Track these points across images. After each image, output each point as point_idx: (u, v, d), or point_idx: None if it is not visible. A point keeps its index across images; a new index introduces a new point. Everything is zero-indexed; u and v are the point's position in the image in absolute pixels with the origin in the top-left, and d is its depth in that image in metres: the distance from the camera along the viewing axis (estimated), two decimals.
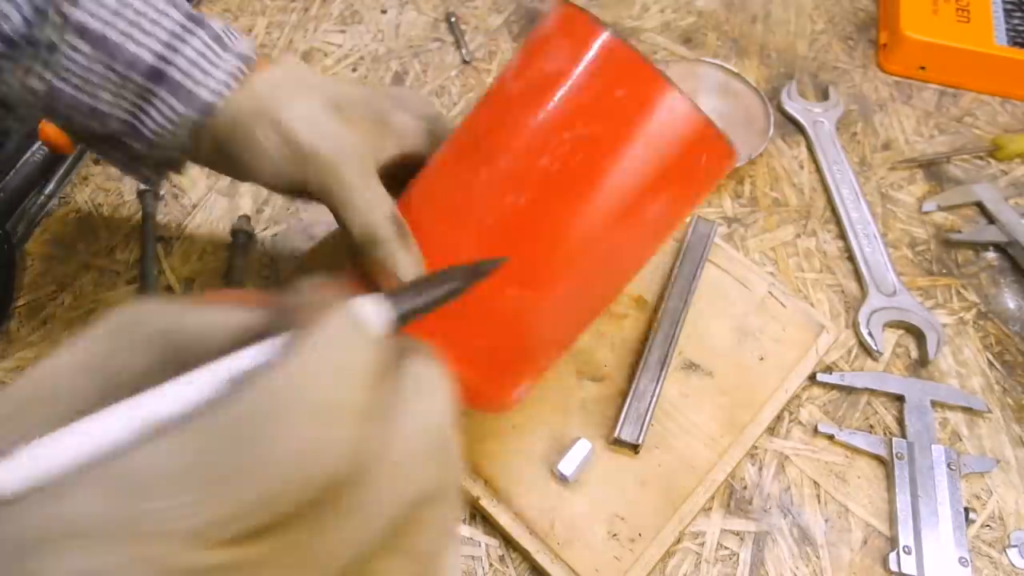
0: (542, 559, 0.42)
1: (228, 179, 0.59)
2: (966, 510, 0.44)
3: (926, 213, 0.58)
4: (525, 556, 0.43)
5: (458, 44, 0.68)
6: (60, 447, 0.16)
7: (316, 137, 0.37)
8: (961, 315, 0.53)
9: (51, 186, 0.57)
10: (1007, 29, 0.65)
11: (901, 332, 0.52)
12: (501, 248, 0.34)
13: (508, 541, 0.44)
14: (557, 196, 0.34)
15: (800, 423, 0.48)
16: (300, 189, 0.38)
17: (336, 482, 0.16)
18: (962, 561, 0.42)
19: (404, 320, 0.20)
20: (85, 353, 0.18)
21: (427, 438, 0.18)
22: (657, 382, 0.46)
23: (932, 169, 0.61)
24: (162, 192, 0.58)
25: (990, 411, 0.49)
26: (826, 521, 0.45)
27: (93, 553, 0.15)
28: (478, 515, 0.45)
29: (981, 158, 0.62)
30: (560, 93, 0.35)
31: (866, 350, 0.51)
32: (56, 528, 0.15)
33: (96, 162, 0.60)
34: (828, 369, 0.50)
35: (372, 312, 0.18)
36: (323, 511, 0.16)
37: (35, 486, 0.15)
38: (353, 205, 0.37)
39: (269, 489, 0.16)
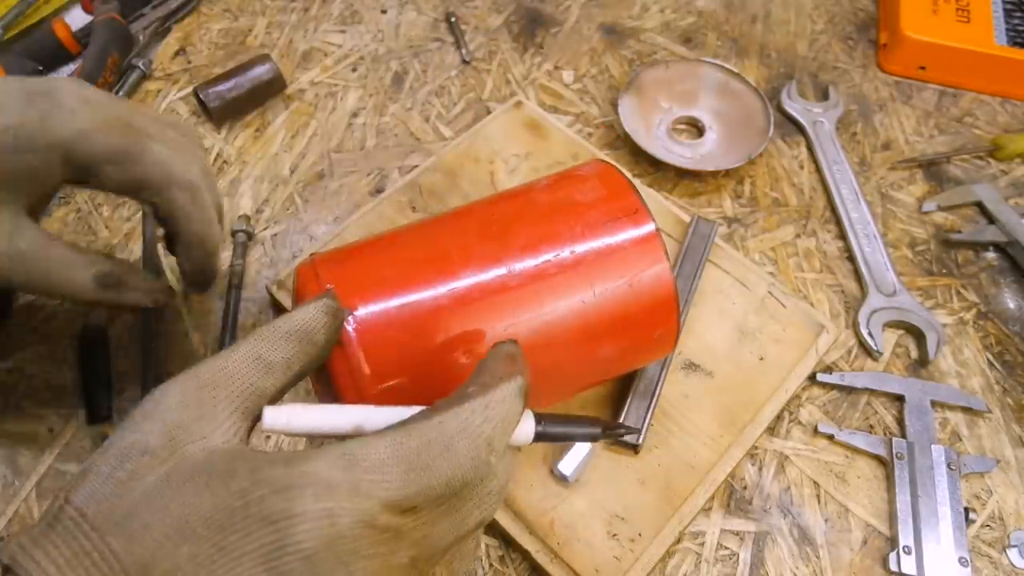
0: (542, 559, 0.42)
1: (228, 179, 0.59)
2: (966, 510, 0.44)
3: (926, 213, 0.58)
4: (525, 556, 0.43)
5: (458, 44, 0.68)
6: (300, 418, 0.26)
7: None
8: (961, 315, 0.53)
9: None
10: (1007, 29, 0.65)
11: (901, 332, 0.52)
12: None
13: (508, 541, 0.44)
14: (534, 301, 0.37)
15: (800, 423, 0.48)
16: None
17: (470, 487, 0.26)
18: (962, 561, 0.42)
19: (538, 438, 0.29)
20: (243, 350, 0.27)
21: (505, 486, 0.28)
22: (657, 382, 0.46)
23: (932, 169, 0.61)
24: None
25: (990, 411, 0.49)
26: (826, 521, 0.45)
27: (324, 499, 0.23)
28: None
29: (981, 158, 0.62)
30: (573, 221, 0.39)
31: (866, 350, 0.51)
32: (302, 480, 0.23)
33: None
34: (828, 369, 0.50)
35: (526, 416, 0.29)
36: (453, 504, 0.26)
37: (286, 454, 0.24)
38: (51, 283, 0.35)
39: (444, 482, 0.25)
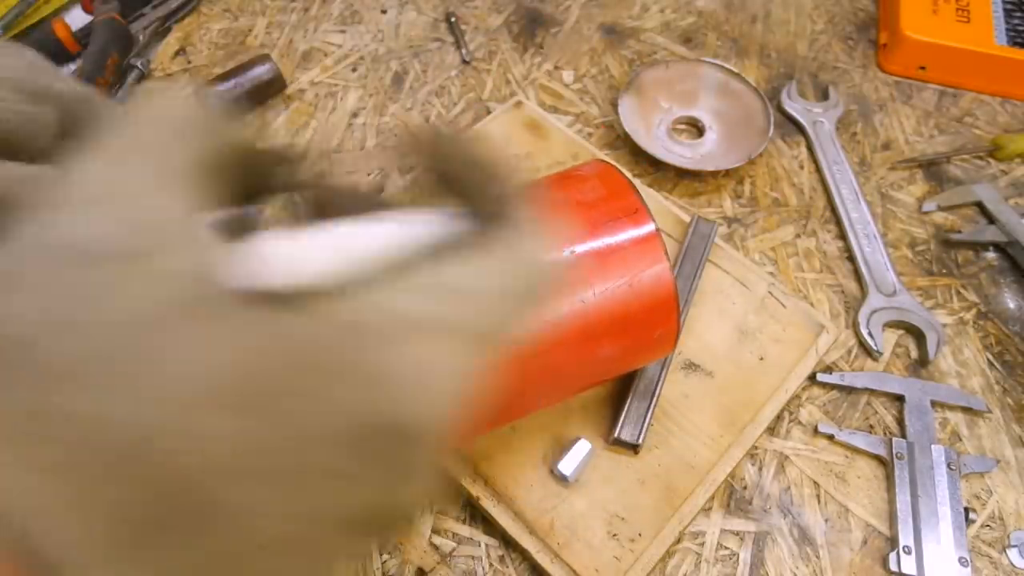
0: (542, 559, 0.42)
1: None
2: (966, 510, 0.44)
3: (926, 213, 0.58)
4: (525, 556, 0.43)
5: (458, 44, 0.68)
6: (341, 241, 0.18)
7: None
8: (961, 315, 0.53)
9: None
10: (1007, 29, 0.65)
11: (901, 332, 0.52)
12: None
13: (508, 541, 0.44)
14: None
15: (800, 423, 0.48)
16: None
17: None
18: (962, 561, 0.42)
19: None
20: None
21: None
22: (657, 382, 0.46)
23: (932, 169, 0.61)
24: None
25: (990, 411, 0.49)
26: (826, 521, 0.45)
27: (429, 344, 0.17)
28: (478, 515, 0.45)
29: (981, 158, 0.62)
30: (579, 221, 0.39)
31: (866, 350, 0.51)
32: (394, 320, 0.17)
33: None
34: (828, 369, 0.50)
35: None
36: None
37: (346, 282, 0.17)
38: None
39: (531, 307, 0.20)
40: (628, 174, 0.42)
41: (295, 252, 0.17)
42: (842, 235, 0.57)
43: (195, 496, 0.14)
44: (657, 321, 0.39)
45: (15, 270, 0.14)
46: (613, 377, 0.46)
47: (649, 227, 0.38)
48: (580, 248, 0.37)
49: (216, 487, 0.14)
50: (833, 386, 0.50)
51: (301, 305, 0.16)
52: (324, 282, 0.17)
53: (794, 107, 0.64)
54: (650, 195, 0.57)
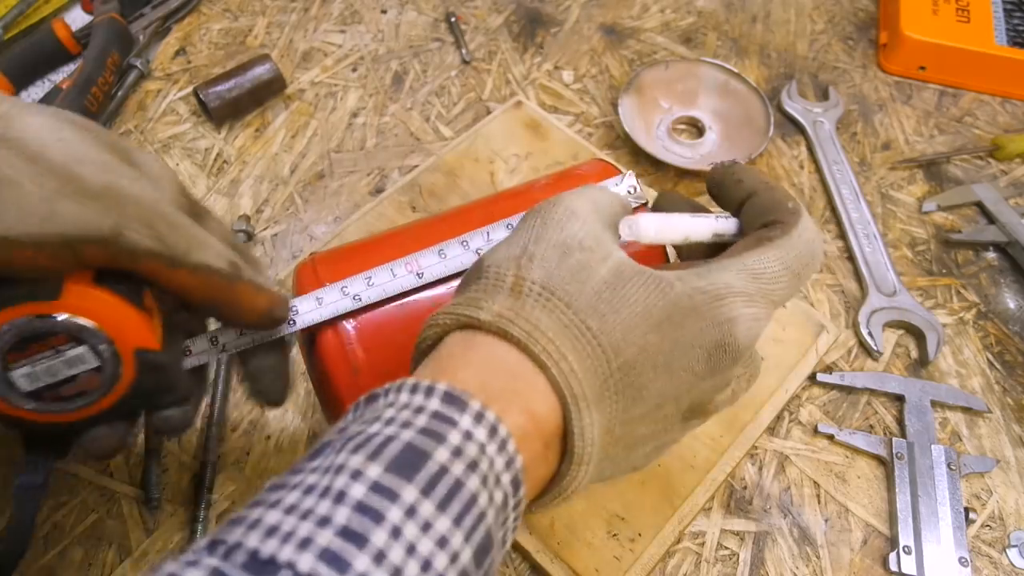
0: (542, 559, 0.42)
1: (228, 179, 0.59)
2: (966, 510, 0.44)
3: (926, 213, 0.58)
4: (525, 556, 0.43)
5: (458, 44, 0.68)
6: (667, 219, 0.31)
7: (91, 156, 0.28)
8: (961, 315, 0.53)
9: None
10: (1007, 29, 0.65)
11: (901, 332, 0.52)
12: None
13: None
14: None
15: (800, 423, 0.48)
16: (74, 242, 0.27)
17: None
18: (962, 561, 0.42)
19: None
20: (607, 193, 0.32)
21: None
22: None
23: (932, 169, 0.61)
24: None
25: (990, 411, 0.49)
26: (826, 521, 0.45)
27: (752, 305, 0.28)
28: None
29: (981, 158, 0.62)
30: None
31: (866, 350, 0.51)
32: (728, 290, 0.28)
33: None
34: (828, 369, 0.50)
35: None
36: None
37: (694, 269, 0.28)
38: (198, 241, 0.29)
39: (808, 279, 0.33)
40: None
41: (661, 224, 0.30)
42: (842, 235, 0.57)
43: (633, 375, 0.26)
44: None
45: (527, 251, 0.27)
46: None
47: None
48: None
49: (643, 371, 0.26)
50: (833, 386, 0.50)
51: (679, 277, 0.27)
52: (656, 241, 0.31)
53: (794, 107, 0.64)
54: (650, 195, 0.57)
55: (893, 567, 0.43)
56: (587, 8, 0.71)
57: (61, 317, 0.28)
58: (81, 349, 0.29)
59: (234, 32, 0.68)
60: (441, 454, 0.22)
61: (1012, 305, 0.54)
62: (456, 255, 0.35)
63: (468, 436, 0.23)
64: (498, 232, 0.35)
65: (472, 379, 0.24)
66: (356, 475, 0.21)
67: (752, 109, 0.61)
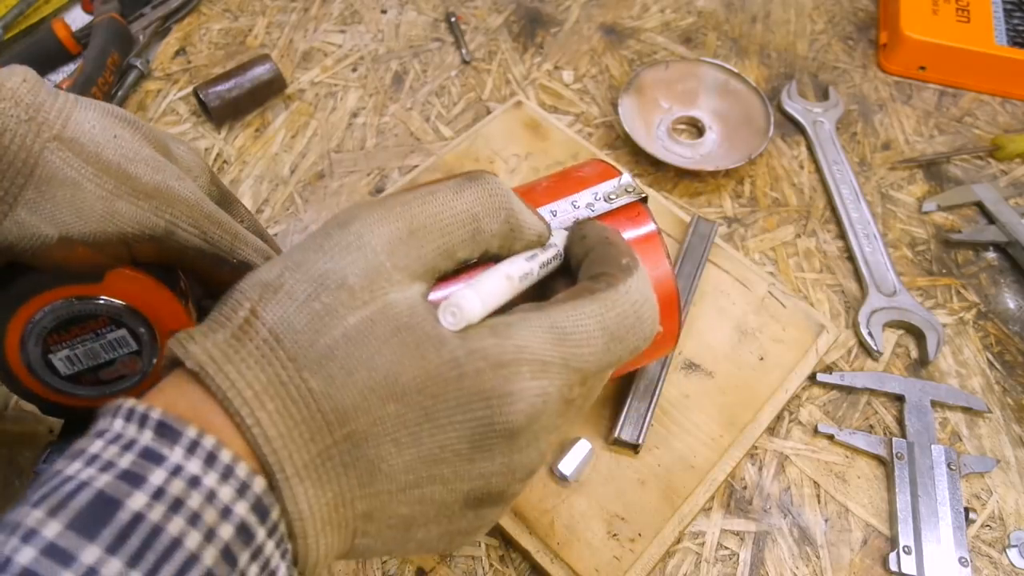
0: (542, 559, 0.42)
1: (228, 179, 0.59)
2: (966, 510, 0.44)
3: (926, 213, 0.58)
4: (525, 556, 0.43)
5: (458, 44, 0.68)
6: (490, 286, 0.25)
7: (143, 155, 0.29)
8: (961, 315, 0.53)
9: None
10: (1007, 29, 0.65)
11: (901, 332, 0.52)
12: None
13: (508, 541, 0.44)
14: None
15: (800, 423, 0.48)
16: (128, 239, 0.28)
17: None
18: (962, 561, 0.42)
19: None
20: (464, 203, 0.25)
21: None
22: (657, 382, 0.46)
23: (932, 169, 0.61)
24: None
25: (990, 411, 0.49)
26: (826, 521, 0.45)
27: (540, 376, 0.23)
28: None
29: (981, 158, 0.62)
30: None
31: (866, 350, 0.51)
32: (518, 355, 0.23)
33: None
34: (828, 369, 0.50)
35: None
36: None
37: (490, 323, 0.24)
38: (241, 239, 0.30)
39: (631, 350, 0.26)
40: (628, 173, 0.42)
41: (484, 291, 0.25)
42: (842, 235, 0.57)
43: (364, 448, 0.22)
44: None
45: (279, 280, 0.23)
46: (614, 377, 0.46)
47: (649, 227, 0.38)
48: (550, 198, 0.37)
49: (379, 444, 0.22)
50: (833, 386, 0.50)
51: (464, 335, 0.23)
52: (484, 316, 0.24)
53: (794, 107, 0.64)
54: (650, 195, 0.57)
55: (893, 567, 0.43)
56: (587, 8, 0.71)
57: (102, 300, 0.28)
58: (121, 331, 0.29)
59: (234, 32, 0.68)
60: (137, 500, 0.19)
61: (1012, 305, 0.54)
62: None
63: (176, 472, 0.20)
64: None
65: (191, 410, 0.22)
66: (29, 536, 0.18)
67: (752, 109, 0.61)
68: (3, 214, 0.26)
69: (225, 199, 0.34)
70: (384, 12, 0.70)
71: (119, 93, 0.63)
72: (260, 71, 0.61)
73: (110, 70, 0.61)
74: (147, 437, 0.20)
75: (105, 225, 0.27)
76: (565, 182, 0.41)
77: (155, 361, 0.31)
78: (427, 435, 0.23)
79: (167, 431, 0.20)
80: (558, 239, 0.29)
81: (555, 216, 0.36)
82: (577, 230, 0.30)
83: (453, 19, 0.69)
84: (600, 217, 0.38)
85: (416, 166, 0.59)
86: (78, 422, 0.33)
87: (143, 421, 0.21)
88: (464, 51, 0.67)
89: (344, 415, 0.22)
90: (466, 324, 0.23)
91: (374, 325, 0.23)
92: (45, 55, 0.64)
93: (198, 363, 0.22)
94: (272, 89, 0.62)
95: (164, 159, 0.30)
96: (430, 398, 0.23)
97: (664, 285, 0.38)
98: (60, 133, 0.27)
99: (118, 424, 0.21)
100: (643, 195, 0.38)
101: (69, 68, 0.65)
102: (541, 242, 0.28)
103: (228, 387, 0.21)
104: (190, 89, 0.63)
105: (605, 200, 0.37)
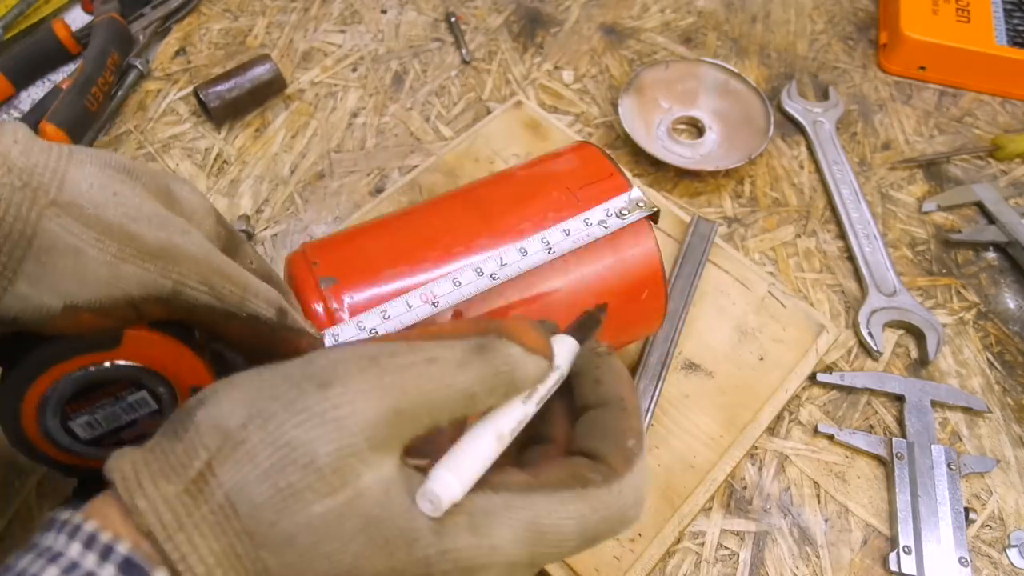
0: None
1: (227, 179, 0.59)
2: (966, 510, 0.44)
3: (926, 213, 0.58)
4: None
5: (458, 44, 0.68)
6: (477, 454, 0.23)
7: (145, 213, 0.27)
8: (961, 315, 0.53)
9: None
10: (1007, 29, 0.65)
11: (901, 332, 0.52)
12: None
13: None
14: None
15: (800, 423, 0.48)
16: (136, 302, 0.27)
17: None
18: (962, 561, 0.42)
19: None
20: (465, 381, 0.23)
21: None
22: (657, 382, 0.46)
23: (932, 169, 0.61)
24: None
25: (990, 411, 0.49)
26: (826, 521, 0.45)
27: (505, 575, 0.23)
28: None
29: (981, 158, 0.62)
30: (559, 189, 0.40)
31: (866, 350, 0.51)
32: (491, 556, 0.22)
33: None
34: (828, 369, 0.50)
35: None
36: None
37: (470, 508, 0.22)
38: (251, 292, 0.29)
39: (597, 544, 0.25)
40: (608, 151, 0.43)
41: (461, 469, 0.22)
42: (842, 235, 0.57)
43: None
44: (643, 282, 0.40)
45: (241, 433, 0.21)
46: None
47: (627, 189, 0.39)
48: (561, 214, 0.39)
49: None
50: (833, 386, 0.50)
51: (439, 527, 0.22)
52: (458, 501, 0.22)
53: (794, 107, 0.64)
54: (650, 195, 0.57)
55: (893, 567, 0.43)
56: (587, 8, 0.71)
57: (120, 363, 0.28)
58: (141, 393, 0.29)
59: (234, 32, 0.68)
60: None
61: (1012, 305, 0.54)
62: (470, 281, 0.36)
63: None
64: (510, 255, 0.37)
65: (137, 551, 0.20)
66: None
67: (752, 109, 0.61)
68: (2, 289, 0.25)
69: (232, 241, 0.33)
70: (384, 12, 0.70)
71: (119, 93, 0.63)
72: (260, 71, 0.61)
73: (110, 70, 0.61)
74: (108, 573, 0.19)
75: (111, 290, 0.26)
76: (543, 161, 0.42)
77: None
78: None
79: (134, 570, 0.20)
80: (561, 354, 0.26)
81: (568, 235, 0.37)
82: (592, 368, 0.27)
83: (453, 19, 0.69)
84: (570, 182, 0.39)
85: (416, 166, 0.59)
86: (96, 481, 0.33)
87: (106, 554, 0.20)
88: (464, 51, 0.67)
89: None
90: (444, 510, 0.22)
91: (342, 520, 0.21)
92: (45, 55, 0.64)
93: (146, 525, 0.20)
94: (272, 89, 0.62)
95: (167, 212, 0.29)
96: None
97: (644, 238, 0.39)
98: (57, 198, 0.25)
99: (74, 550, 0.20)
100: (655, 209, 0.38)
101: (69, 68, 0.66)
102: (541, 379, 0.25)
103: (178, 559, 0.20)
104: (190, 89, 0.63)
105: (617, 216, 0.38)
